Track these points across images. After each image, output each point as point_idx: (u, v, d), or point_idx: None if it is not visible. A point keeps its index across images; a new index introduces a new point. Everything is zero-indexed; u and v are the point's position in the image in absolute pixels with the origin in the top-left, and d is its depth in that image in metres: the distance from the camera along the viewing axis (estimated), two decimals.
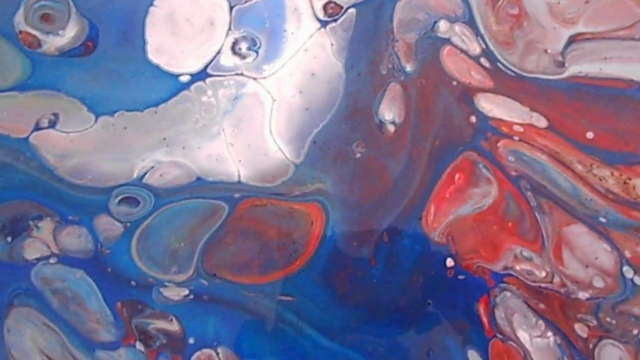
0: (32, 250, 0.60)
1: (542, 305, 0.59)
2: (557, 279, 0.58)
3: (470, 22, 0.60)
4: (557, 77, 0.59)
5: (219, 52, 0.61)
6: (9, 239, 0.60)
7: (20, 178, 0.61)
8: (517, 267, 0.59)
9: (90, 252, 0.60)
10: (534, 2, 0.59)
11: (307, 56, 0.61)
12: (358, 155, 0.60)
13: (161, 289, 0.59)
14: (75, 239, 0.60)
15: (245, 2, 0.61)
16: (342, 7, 0.61)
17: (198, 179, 0.60)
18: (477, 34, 0.60)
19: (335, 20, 0.60)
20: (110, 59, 0.61)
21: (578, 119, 0.59)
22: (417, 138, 0.60)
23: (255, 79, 0.61)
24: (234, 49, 0.61)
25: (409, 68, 0.61)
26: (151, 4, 0.60)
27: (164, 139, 0.61)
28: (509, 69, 0.60)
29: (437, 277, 0.59)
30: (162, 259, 0.59)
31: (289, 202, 0.60)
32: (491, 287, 0.59)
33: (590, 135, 0.58)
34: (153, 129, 0.60)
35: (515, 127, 0.60)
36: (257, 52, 0.61)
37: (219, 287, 0.59)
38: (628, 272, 0.57)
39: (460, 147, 0.60)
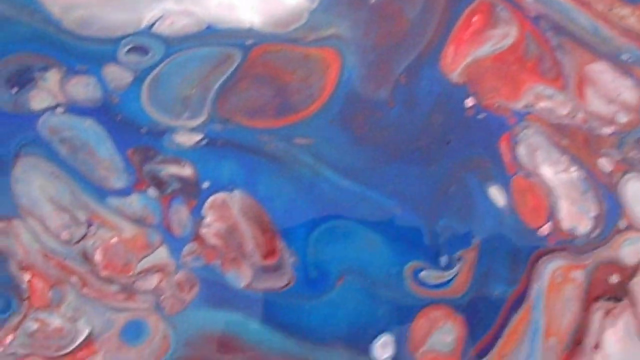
0: (38, 100, 0.58)
1: (565, 141, 0.57)
2: (580, 115, 0.57)
3: None
4: None
5: None
6: (14, 90, 0.58)
7: (25, 31, 0.59)
8: (539, 105, 0.58)
9: (98, 101, 0.58)
10: None
11: None
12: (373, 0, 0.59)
13: (173, 135, 0.57)
14: (82, 88, 0.58)
15: None
16: None
17: (209, 27, 0.58)
18: None
19: None
20: None
21: None
22: None
23: None
24: None
25: None
26: None
27: None
28: None
29: (456, 116, 0.58)
30: (174, 105, 0.58)
31: (304, 48, 0.58)
32: (512, 125, 0.58)
33: None
34: None
35: None
36: None
37: (233, 131, 0.57)
38: None
39: None
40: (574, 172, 0.57)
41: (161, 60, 0.59)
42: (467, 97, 0.58)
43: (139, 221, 0.57)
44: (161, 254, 0.57)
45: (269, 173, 0.58)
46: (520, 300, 0.57)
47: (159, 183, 0.57)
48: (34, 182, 0.57)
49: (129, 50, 0.59)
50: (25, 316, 0.56)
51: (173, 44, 0.59)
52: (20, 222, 0.56)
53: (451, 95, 0.58)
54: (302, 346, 0.57)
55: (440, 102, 0.58)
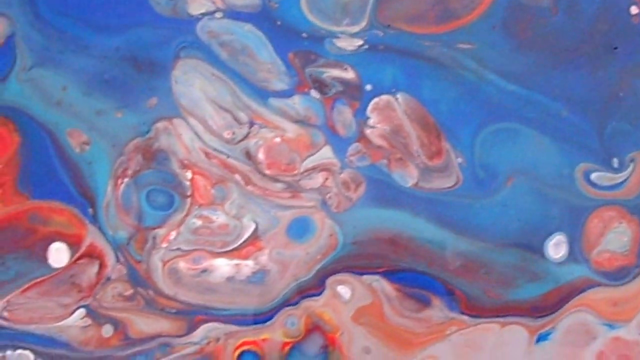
0: (196, 5, 0.58)
1: None
2: None
3: None
4: None
5: None
6: None
7: None
8: None
9: (258, 7, 0.58)
10: None
11: None
12: None
13: (334, 40, 0.57)
14: None
15: None
16: None
17: None
18: None
19: None
20: None
21: None
22: None
23: None
24: None
25: None
26: None
27: None
28: None
29: (622, 24, 0.57)
30: (333, 12, 0.58)
31: None
32: None
33: None
34: None
35: None
36: None
37: (395, 37, 0.57)
38: None
39: None
40: None
41: None
42: (632, 4, 0.58)
43: (302, 122, 0.57)
44: (326, 154, 0.56)
45: (431, 77, 0.57)
46: None
47: (321, 85, 0.57)
48: (194, 84, 0.57)
49: None
50: (188, 213, 0.56)
51: None
52: (182, 121, 0.56)
53: (615, 3, 0.58)
54: (474, 245, 0.56)
55: (604, 10, 0.58)
